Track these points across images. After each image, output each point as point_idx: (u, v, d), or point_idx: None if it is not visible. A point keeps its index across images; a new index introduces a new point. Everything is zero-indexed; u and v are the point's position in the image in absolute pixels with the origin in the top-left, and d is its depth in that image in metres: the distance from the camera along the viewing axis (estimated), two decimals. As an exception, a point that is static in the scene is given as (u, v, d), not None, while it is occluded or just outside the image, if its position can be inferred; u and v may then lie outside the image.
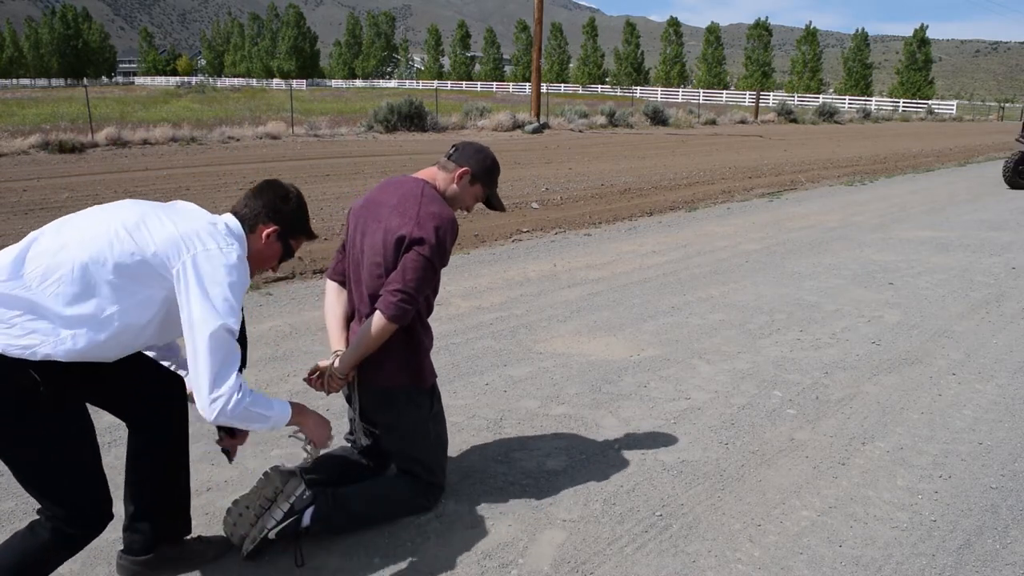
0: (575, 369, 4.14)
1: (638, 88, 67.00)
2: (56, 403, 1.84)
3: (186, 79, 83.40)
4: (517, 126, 23.54)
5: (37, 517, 1.97)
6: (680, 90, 64.81)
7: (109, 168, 12.68)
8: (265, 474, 2.46)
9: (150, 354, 2.25)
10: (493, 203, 2.67)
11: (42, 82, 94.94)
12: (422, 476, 2.68)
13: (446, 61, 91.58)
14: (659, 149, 19.49)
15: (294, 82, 70.57)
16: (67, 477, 1.91)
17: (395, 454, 2.72)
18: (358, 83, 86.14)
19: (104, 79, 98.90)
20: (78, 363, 1.88)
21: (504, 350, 4.41)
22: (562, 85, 73.60)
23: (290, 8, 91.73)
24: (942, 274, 6.46)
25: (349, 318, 2.62)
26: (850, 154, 19.19)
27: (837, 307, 5.43)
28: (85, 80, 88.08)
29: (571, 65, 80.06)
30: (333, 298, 2.65)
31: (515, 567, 2.42)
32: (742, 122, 32.63)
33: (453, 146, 2.62)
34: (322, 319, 2.74)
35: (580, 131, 24.80)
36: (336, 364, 2.46)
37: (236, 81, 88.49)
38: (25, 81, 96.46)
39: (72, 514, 1.93)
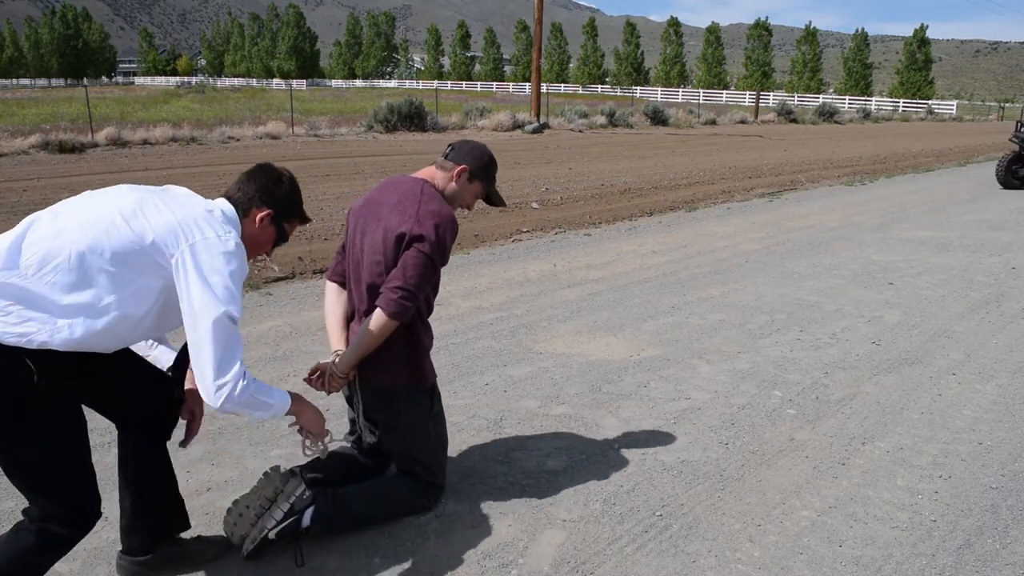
0: (575, 369, 4.14)
1: (638, 88, 67.00)
2: (52, 394, 1.83)
3: (186, 79, 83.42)
4: (517, 126, 23.54)
5: (21, 519, 1.95)
6: (680, 90, 64.81)
7: (109, 168, 12.67)
8: (265, 474, 2.46)
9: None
10: (493, 199, 2.68)
11: (42, 82, 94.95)
12: (422, 476, 2.68)
13: (446, 61, 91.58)
14: (659, 149, 19.49)
15: (294, 82, 70.57)
16: (64, 474, 1.90)
17: (395, 454, 2.72)
18: (358, 83, 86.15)
19: (104, 79, 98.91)
20: (73, 357, 1.87)
21: (504, 350, 4.41)
22: (562, 85, 73.60)
23: (290, 8, 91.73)
24: (942, 274, 6.46)
25: (349, 318, 2.62)
26: (850, 154, 19.19)
27: (837, 307, 5.42)
28: (85, 80, 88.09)
29: (571, 65, 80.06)
30: (333, 298, 2.65)
31: (515, 567, 2.42)
32: (742, 122, 32.63)
33: (450, 145, 2.63)
34: (322, 319, 2.74)
35: (580, 131, 24.81)
36: (336, 363, 2.46)
37: (236, 81, 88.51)
38: (25, 81, 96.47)
39: (66, 512, 1.92)
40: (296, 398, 2.16)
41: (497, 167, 2.68)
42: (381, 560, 2.44)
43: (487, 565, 2.43)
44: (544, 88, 29.19)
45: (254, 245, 2.14)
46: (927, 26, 59.42)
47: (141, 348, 2.28)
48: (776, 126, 32.49)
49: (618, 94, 64.37)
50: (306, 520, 2.41)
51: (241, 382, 1.91)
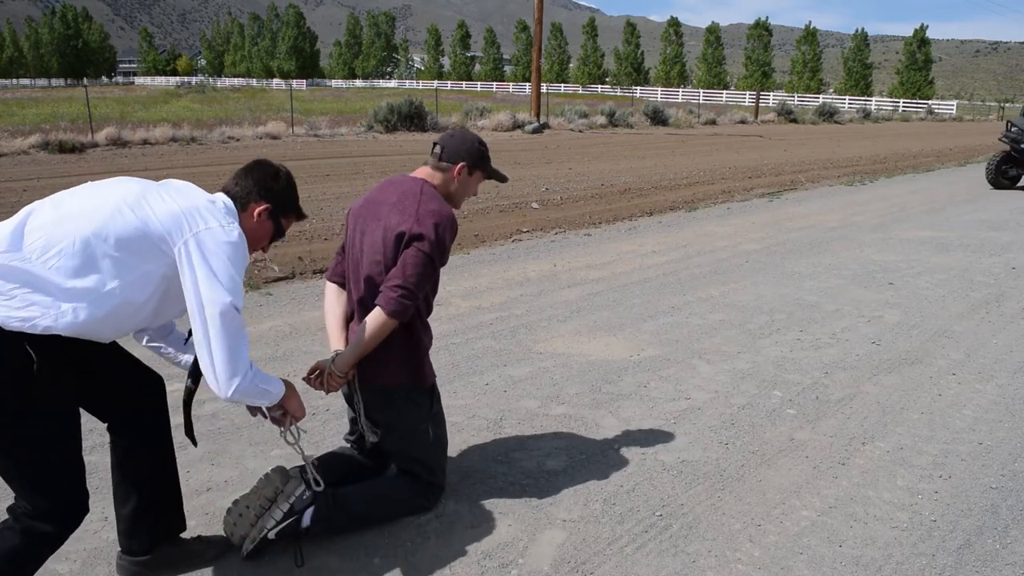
0: (575, 369, 4.14)
1: (638, 88, 67.00)
2: (51, 384, 1.83)
3: (186, 79, 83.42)
4: (517, 126, 23.54)
5: (5, 518, 1.94)
6: (680, 90, 64.81)
7: (109, 168, 12.67)
8: (265, 475, 2.46)
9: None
10: (496, 177, 2.72)
11: (42, 82, 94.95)
12: (422, 476, 2.68)
13: (446, 61, 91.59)
14: (659, 149, 19.49)
15: (294, 82, 70.56)
16: (59, 471, 1.90)
17: (395, 454, 2.72)
18: (358, 83, 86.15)
19: (104, 79, 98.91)
20: (72, 350, 1.88)
21: (504, 350, 4.41)
22: (562, 85, 73.61)
23: (290, 8, 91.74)
24: (942, 274, 6.46)
25: (349, 318, 2.62)
26: (850, 154, 19.19)
27: (837, 307, 5.42)
28: (85, 80, 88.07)
29: (571, 65, 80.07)
30: (333, 299, 2.65)
31: (515, 567, 2.42)
32: (742, 122, 32.63)
33: (439, 145, 2.60)
34: (322, 319, 2.74)
35: (580, 131, 24.80)
36: (335, 363, 2.46)
37: (236, 81, 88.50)
38: (25, 81, 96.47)
39: (56, 509, 1.91)
40: (288, 384, 2.18)
41: (488, 148, 2.70)
42: (381, 560, 2.44)
43: (487, 565, 2.42)
44: (544, 88, 29.20)
45: (252, 239, 2.15)
46: (927, 26, 59.43)
47: (170, 355, 2.30)
48: (776, 126, 32.49)
49: (618, 94, 64.38)
50: (306, 520, 2.41)
51: (249, 372, 1.95)
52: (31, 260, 1.78)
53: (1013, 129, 12.41)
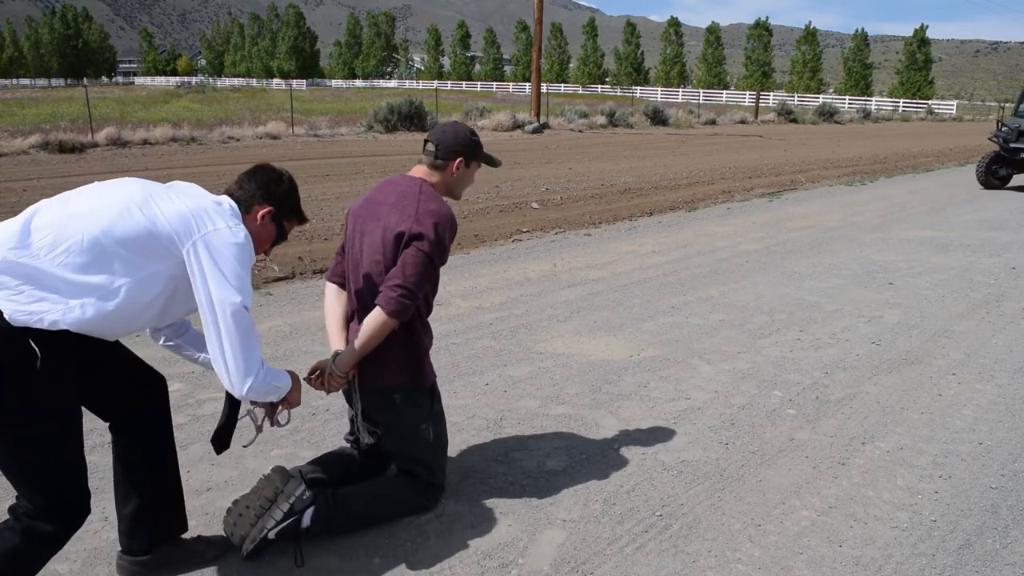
0: (575, 369, 4.14)
1: (638, 88, 67.00)
2: (53, 381, 1.83)
3: (186, 79, 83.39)
4: (517, 126, 23.54)
5: (6, 518, 1.94)
6: (680, 90, 64.81)
7: (109, 168, 12.67)
8: (265, 474, 2.46)
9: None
10: (489, 163, 2.74)
11: (42, 82, 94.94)
12: (422, 476, 2.68)
13: (446, 61, 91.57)
14: (659, 149, 19.49)
15: (294, 82, 70.56)
16: (60, 470, 1.91)
17: (395, 454, 2.72)
18: (358, 83, 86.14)
19: (104, 79, 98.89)
20: (76, 347, 1.88)
21: (504, 350, 4.41)
22: (562, 85, 73.59)
23: (290, 8, 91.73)
24: (942, 274, 6.46)
25: (349, 319, 2.62)
26: (850, 154, 19.19)
27: (837, 307, 5.43)
28: (85, 80, 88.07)
29: (571, 65, 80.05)
30: (332, 299, 2.66)
31: (515, 567, 2.42)
32: (742, 122, 32.63)
33: (433, 144, 2.58)
34: (322, 319, 2.74)
35: (580, 131, 24.81)
36: (336, 363, 2.46)
37: (236, 81, 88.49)
38: (25, 81, 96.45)
39: (57, 508, 1.92)
40: (293, 376, 2.23)
41: (478, 135, 2.71)
42: (381, 560, 2.44)
43: (487, 565, 2.43)
44: (544, 88, 29.19)
45: (256, 242, 2.17)
46: (927, 26, 59.42)
47: (188, 353, 2.31)
48: (776, 126, 32.49)
49: (618, 94, 64.37)
50: (306, 520, 2.41)
51: (262, 369, 2.00)
52: (39, 257, 1.79)
53: (1004, 129, 12.36)
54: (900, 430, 3.45)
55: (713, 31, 68.82)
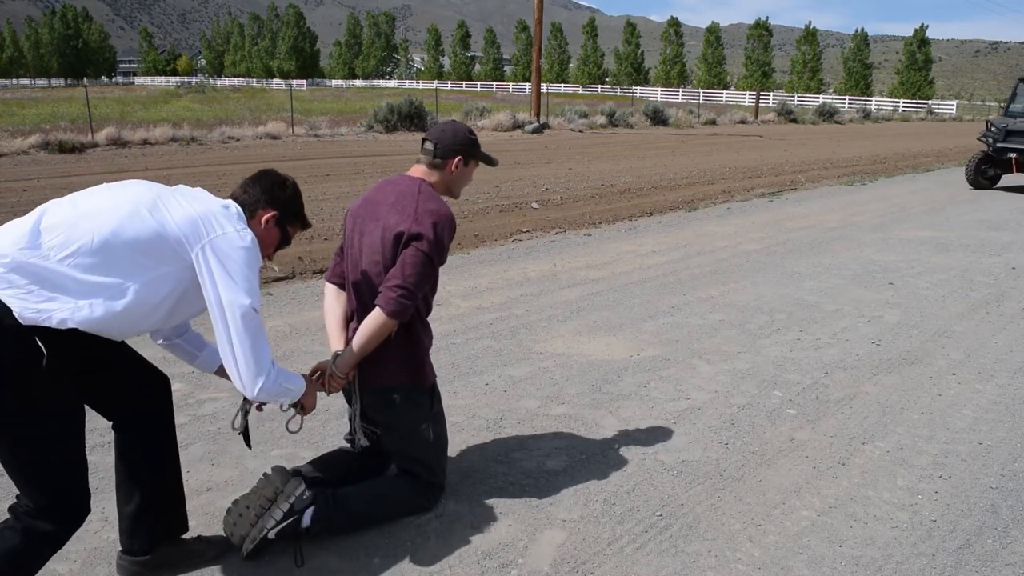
0: (575, 369, 4.14)
1: (638, 88, 66.99)
2: (57, 380, 1.84)
3: (186, 79, 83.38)
4: (517, 126, 23.53)
5: (6, 517, 1.95)
6: (680, 90, 64.81)
7: (109, 168, 12.67)
8: (265, 474, 2.46)
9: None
10: (487, 162, 2.75)
11: (42, 82, 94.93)
12: (422, 476, 2.68)
13: (446, 61, 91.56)
14: (659, 149, 19.49)
15: (294, 82, 70.56)
16: (62, 470, 1.91)
17: (395, 454, 2.72)
18: (358, 83, 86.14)
19: (104, 79, 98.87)
20: (80, 346, 1.89)
21: (504, 350, 4.41)
22: (562, 85, 73.59)
23: (290, 8, 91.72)
24: (942, 274, 6.46)
25: (349, 319, 2.62)
26: (850, 154, 19.19)
27: (837, 307, 5.43)
28: (85, 80, 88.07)
29: (571, 65, 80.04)
30: (332, 300, 2.66)
31: (515, 567, 2.42)
32: (742, 122, 32.62)
33: (432, 143, 2.59)
34: (322, 319, 2.74)
35: (580, 131, 24.80)
36: (336, 363, 2.46)
37: (236, 81, 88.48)
38: (25, 81, 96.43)
39: (58, 507, 1.92)
40: (308, 380, 2.29)
41: (475, 133, 2.72)
42: (381, 560, 2.44)
43: (487, 565, 2.43)
44: (544, 88, 29.19)
45: (260, 246, 2.18)
46: (927, 26, 59.40)
47: (186, 354, 2.33)
48: (776, 126, 32.49)
49: (618, 94, 64.37)
50: (306, 520, 2.41)
51: (272, 371, 2.03)
52: (49, 257, 1.81)
53: (992, 129, 12.29)
54: (900, 430, 3.45)
55: (713, 31, 68.81)
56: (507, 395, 3.77)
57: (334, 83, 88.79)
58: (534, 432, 3.37)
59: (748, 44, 65.92)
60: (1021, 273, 6.55)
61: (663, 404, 3.70)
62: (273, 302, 5.31)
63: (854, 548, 2.55)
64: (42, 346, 1.80)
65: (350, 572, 2.38)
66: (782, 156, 18.14)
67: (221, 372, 2.38)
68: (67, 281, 1.82)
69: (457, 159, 2.58)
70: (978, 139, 12.74)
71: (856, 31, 64.07)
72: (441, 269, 2.55)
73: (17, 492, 1.94)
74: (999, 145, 11.96)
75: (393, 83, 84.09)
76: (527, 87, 57.66)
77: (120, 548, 2.29)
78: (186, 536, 2.40)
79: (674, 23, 71.56)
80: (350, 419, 2.74)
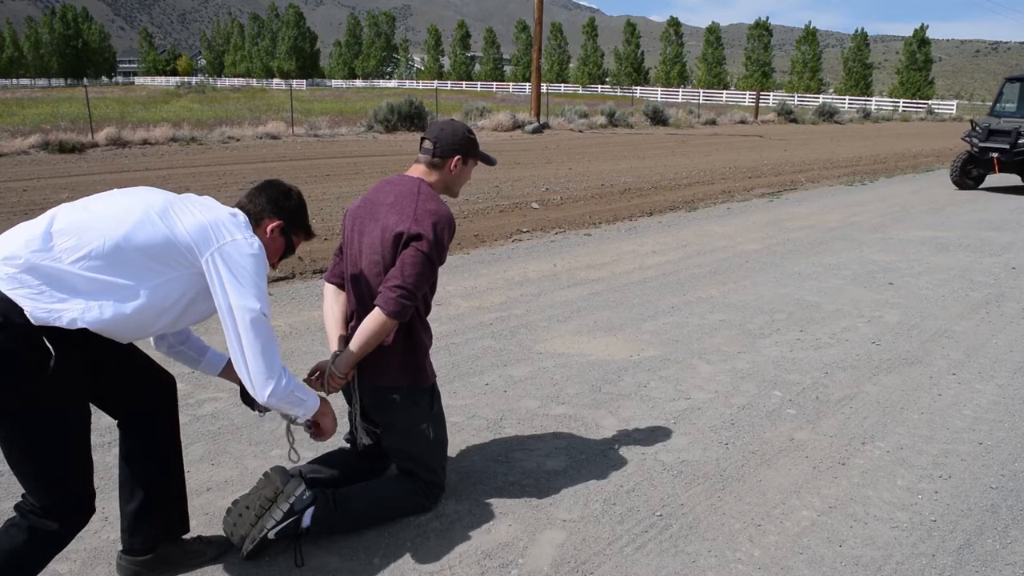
0: (575, 369, 4.14)
1: (638, 88, 67.00)
2: (64, 380, 1.85)
3: (186, 79, 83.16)
4: (517, 126, 23.54)
5: (12, 515, 1.96)
6: (680, 90, 64.79)
7: (109, 168, 12.68)
8: (265, 474, 2.46)
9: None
10: (486, 161, 2.75)
11: (42, 82, 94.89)
12: (422, 476, 2.68)
13: (446, 61, 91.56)
14: (659, 149, 19.49)
15: (294, 82, 70.60)
16: (68, 469, 1.92)
17: (395, 454, 2.72)
18: (358, 83, 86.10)
19: (104, 79, 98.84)
20: (88, 346, 1.91)
21: (504, 350, 4.41)
22: (562, 85, 73.59)
23: (290, 8, 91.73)
24: (942, 274, 6.46)
25: (348, 319, 2.62)
26: (850, 154, 19.19)
27: (837, 307, 5.43)
28: (85, 80, 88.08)
29: (571, 65, 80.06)
30: (332, 300, 2.66)
31: (515, 567, 2.42)
32: (742, 122, 32.63)
33: (430, 141, 2.59)
34: (322, 319, 2.74)
35: (580, 131, 24.81)
36: (335, 363, 2.46)
37: (236, 81, 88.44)
38: (25, 81, 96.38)
39: (63, 506, 1.93)
40: (324, 400, 2.30)
41: (473, 132, 2.72)
42: (381, 560, 2.44)
43: (487, 565, 2.43)
44: (544, 88, 29.20)
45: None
46: (927, 26, 59.38)
47: (189, 359, 2.34)
48: (776, 126, 32.49)
49: (618, 94, 64.37)
50: (306, 520, 2.41)
51: (284, 377, 2.08)
52: (61, 260, 1.84)
53: (976, 129, 12.22)
54: (900, 430, 3.45)
55: (713, 31, 68.80)
56: (507, 395, 3.77)
57: (334, 83, 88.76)
58: (534, 432, 3.37)
59: (748, 44, 65.93)
60: (1021, 273, 6.55)
61: (663, 404, 3.70)
62: (273, 302, 5.32)
63: (854, 548, 2.55)
64: (51, 346, 1.82)
65: (350, 572, 2.38)
66: (782, 156, 18.14)
67: (224, 375, 2.40)
68: (79, 283, 1.84)
69: (456, 158, 2.59)
70: (962, 139, 12.65)
71: (856, 31, 64.06)
72: (441, 269, 2.55)
73: (23, 491, 1.94)
74: (982, 145, 11.89)
75: (393, 83, 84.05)
76: (527, 87, 57.66)
77: (120, 548, 2.29)
78: (186, 536, 2.40)
79: (674, 23, 71.57)
80: (350, 419, 2.74)
